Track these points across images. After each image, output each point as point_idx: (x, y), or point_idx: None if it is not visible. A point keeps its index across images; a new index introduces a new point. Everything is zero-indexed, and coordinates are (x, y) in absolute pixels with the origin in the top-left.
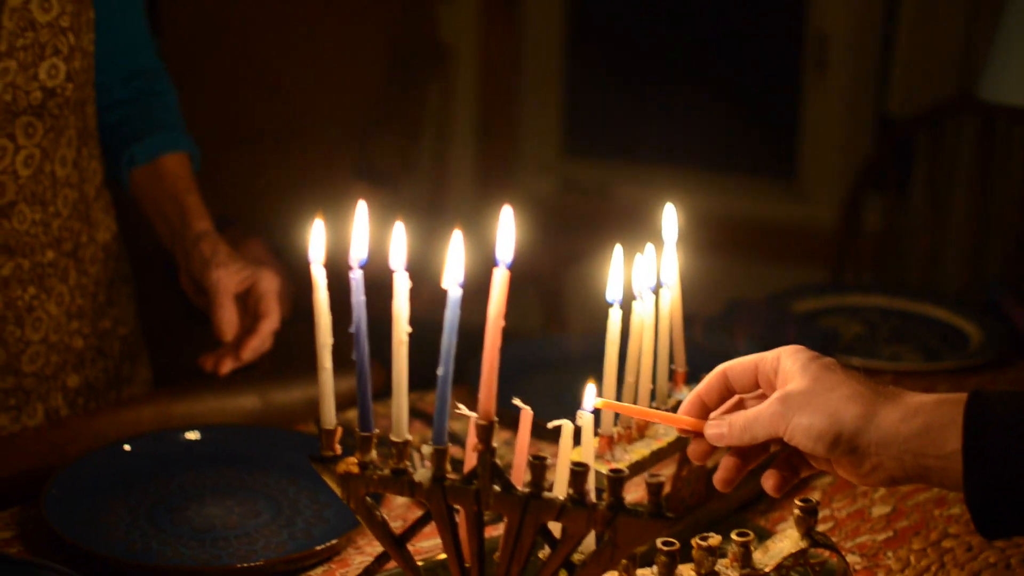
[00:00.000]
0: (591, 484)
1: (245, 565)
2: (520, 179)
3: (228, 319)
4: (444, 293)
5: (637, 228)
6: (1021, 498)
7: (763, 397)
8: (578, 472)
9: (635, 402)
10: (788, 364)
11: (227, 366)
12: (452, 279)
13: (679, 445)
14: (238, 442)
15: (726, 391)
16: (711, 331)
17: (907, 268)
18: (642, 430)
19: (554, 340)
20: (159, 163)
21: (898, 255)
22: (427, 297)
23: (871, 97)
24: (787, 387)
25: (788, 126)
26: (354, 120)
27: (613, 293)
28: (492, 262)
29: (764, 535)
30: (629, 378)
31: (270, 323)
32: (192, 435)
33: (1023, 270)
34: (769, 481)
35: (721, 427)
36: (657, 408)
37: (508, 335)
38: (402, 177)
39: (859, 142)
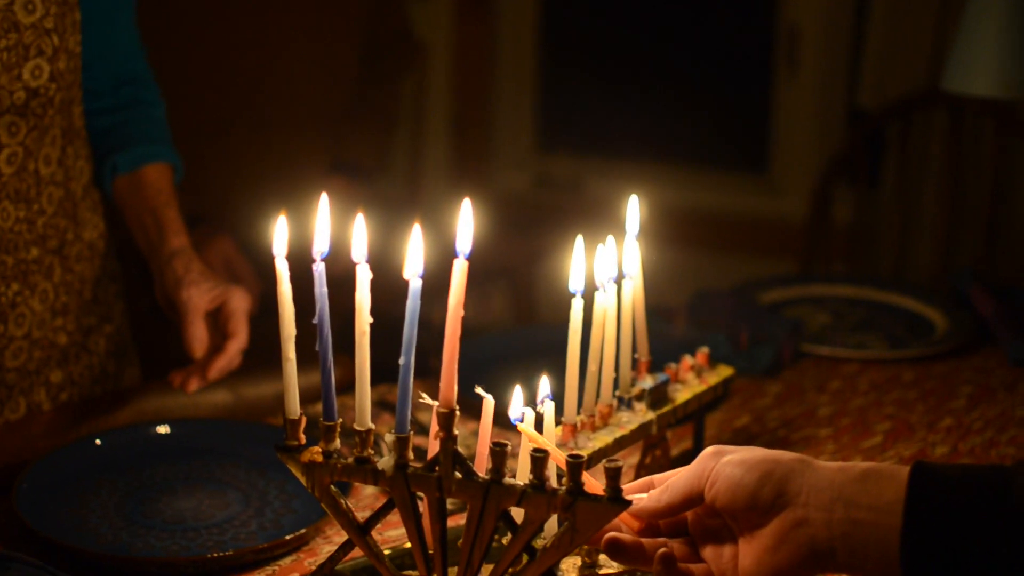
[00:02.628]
0: (551, 470)
1: (215, 555)
2: (494, 174)
3: (198, 337)
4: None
5: (610, 222)
6: (959, 564)
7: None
8: (538, 458)
9: (598, 390)
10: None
11: (194, 384)
12: (412, 271)
13: (642, 433)
14: (208, 436)
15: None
16: (676, 321)
17: (878, 260)
18: (605, 418)
19: (523, 332)
20: (141, 173)
21: (869, 247)
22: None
23: (843, 91)
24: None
25: (760, 120)
26: (329, 114)
27: (575, 284)
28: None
29: None
30: (592, 366)
31: (238, 343)
32: (163, 429)
33: (993, 260)
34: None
35: (640, 498)
36: (620, 396)
37: (480, 328)
38: (377, 171)
39: (831, 136)
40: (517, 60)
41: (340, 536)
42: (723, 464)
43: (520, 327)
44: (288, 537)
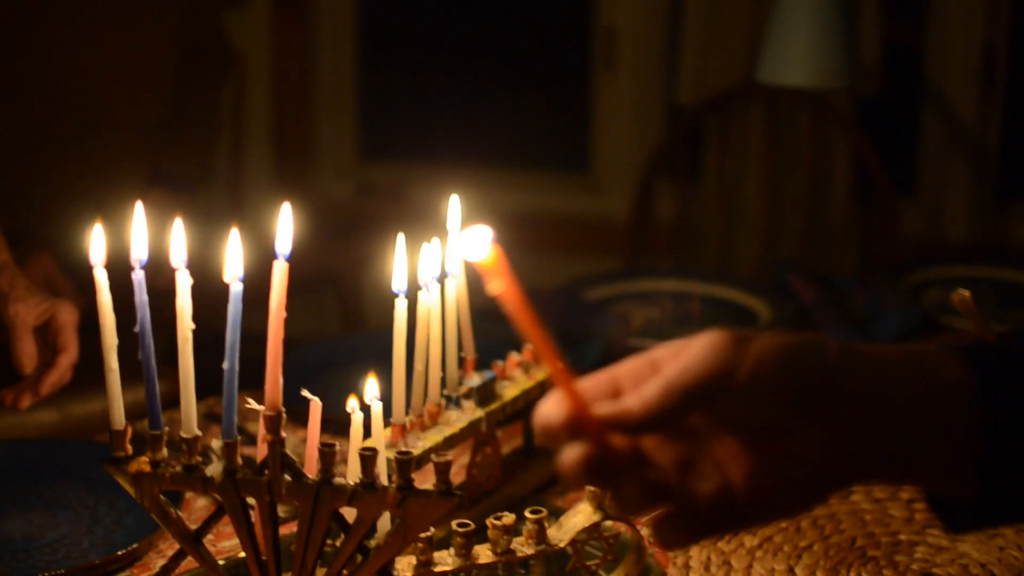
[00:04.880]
0: (381, 468)
1: (47, 575)
2: (317, 184)
3: (27, 352)
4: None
5: (433, 228)
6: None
7: None
8: (367, 456)
9: (426, 391)
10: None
11: (26, 401)
12: (233, 274)
13: (471, 431)
14: (35, 456)
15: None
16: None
17: (702, 255)
18: (434, 418)
19: (350, 339)
20: None
21: (693, 243)
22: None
23: (661, 89)
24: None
25: (581, 120)
26: (146, 125)
27: (398, 284)
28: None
29: (560, 514)
30: (418, 366)
31: (68, 357)
32: None
33: (815, 249)
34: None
35: (626, 401)
36: (448, 395)
37: (307, 337)
38: (199, 183)
39: (651, 134)
40: (336, 68)
41: (173, 549)
42: (751, 352)
43: (346, 334)
44: (120, 552)
